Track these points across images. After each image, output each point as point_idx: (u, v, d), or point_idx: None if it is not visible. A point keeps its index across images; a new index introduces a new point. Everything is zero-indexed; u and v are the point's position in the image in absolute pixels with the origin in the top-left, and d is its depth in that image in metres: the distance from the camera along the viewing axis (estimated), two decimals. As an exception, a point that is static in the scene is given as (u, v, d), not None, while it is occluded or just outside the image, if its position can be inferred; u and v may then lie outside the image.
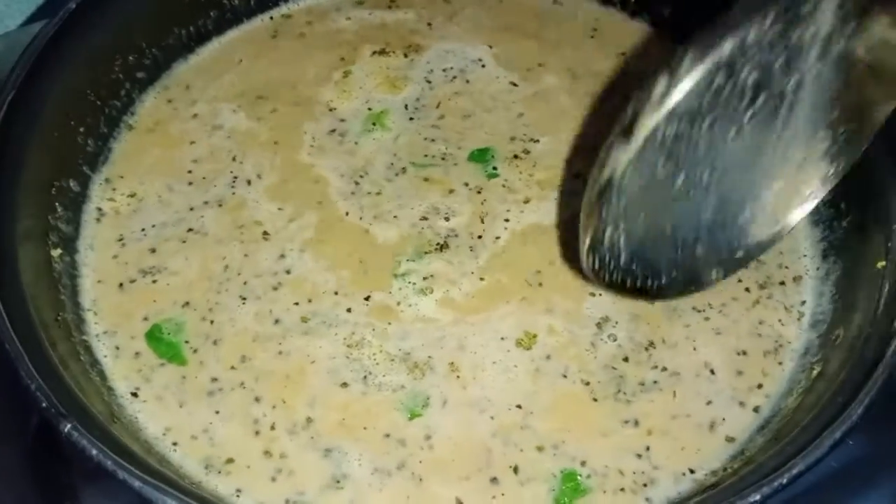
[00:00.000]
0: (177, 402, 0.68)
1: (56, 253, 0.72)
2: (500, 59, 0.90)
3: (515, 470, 0.65)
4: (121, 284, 0.74)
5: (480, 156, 0.81)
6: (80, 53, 0.77)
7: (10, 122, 0.69)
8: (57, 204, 0.74)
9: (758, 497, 0.50)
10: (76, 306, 0.72)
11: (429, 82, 0.87)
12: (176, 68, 0.89)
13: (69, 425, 0.53)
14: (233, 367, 0.69)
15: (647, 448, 0.66)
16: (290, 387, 0.68)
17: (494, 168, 0.81)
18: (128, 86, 0.84)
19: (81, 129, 0.79)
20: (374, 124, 0.84)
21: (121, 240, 0.76)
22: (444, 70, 0.88)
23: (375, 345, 0.70)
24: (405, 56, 0.89)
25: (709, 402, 0.68)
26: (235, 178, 0.80)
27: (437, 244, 0.76)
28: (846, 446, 0.74)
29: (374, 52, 0.89)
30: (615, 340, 0.71)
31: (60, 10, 0.75)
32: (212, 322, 0.72)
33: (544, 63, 0.90)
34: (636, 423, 0.67)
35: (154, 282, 0.74)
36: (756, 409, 0.68)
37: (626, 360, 0.70)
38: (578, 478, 0.65)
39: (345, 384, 0.68)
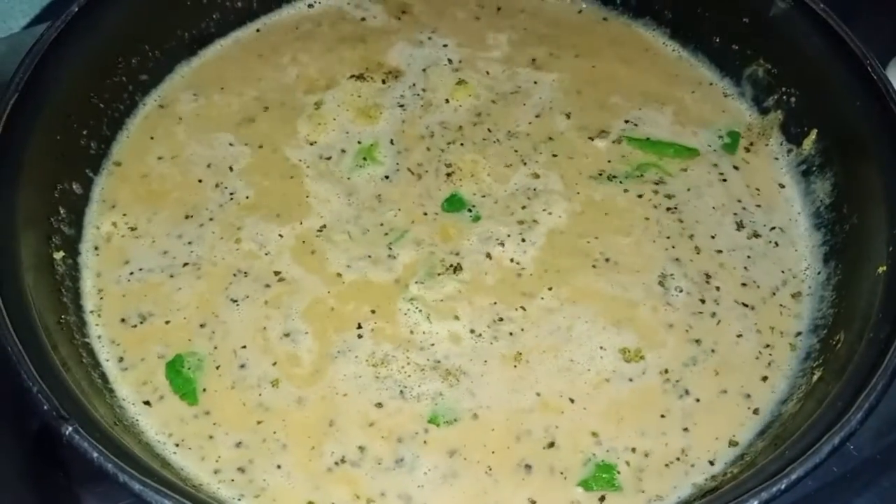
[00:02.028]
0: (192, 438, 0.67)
1: (59, 255, 0.73)
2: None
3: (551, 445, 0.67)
4: (123, 320, 0.73)
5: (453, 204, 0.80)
6: (82, 56, 0.77)
7: (13, 124, 0.69)
8: (60, 206, 0.75)
9: (756, 502, 0.50)
10: (79, 309, 0.72)
11: (401, 106, 0.87)
12: (179, 71, 0.89)
13: (70, 428, 0.53)
14: (258, 422, 0.67)
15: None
16: (327, 421, 0.68)
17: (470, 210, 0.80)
18: (130, 88, 0.84)
19: (84, 132, 0.79)
20: (364, 159, 0.83)
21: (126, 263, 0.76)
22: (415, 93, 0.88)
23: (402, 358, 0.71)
24: (383, 82, 0.88)
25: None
26: (232, 195, 0.80)
27: (451, 265, 0.75)
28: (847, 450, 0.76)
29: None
30: (682, 291, 0.74)
31: (64, 12, 0.76)
32: (215, 349, 0.71)
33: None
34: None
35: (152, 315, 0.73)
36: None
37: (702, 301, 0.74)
38: (617, 474, 0.65)
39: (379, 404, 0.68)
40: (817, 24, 0.79)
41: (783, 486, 0.51)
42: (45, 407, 0.54)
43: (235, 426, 0.67)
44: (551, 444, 0.66)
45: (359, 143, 0.83)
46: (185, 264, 0.75)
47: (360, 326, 0.72)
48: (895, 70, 0.98)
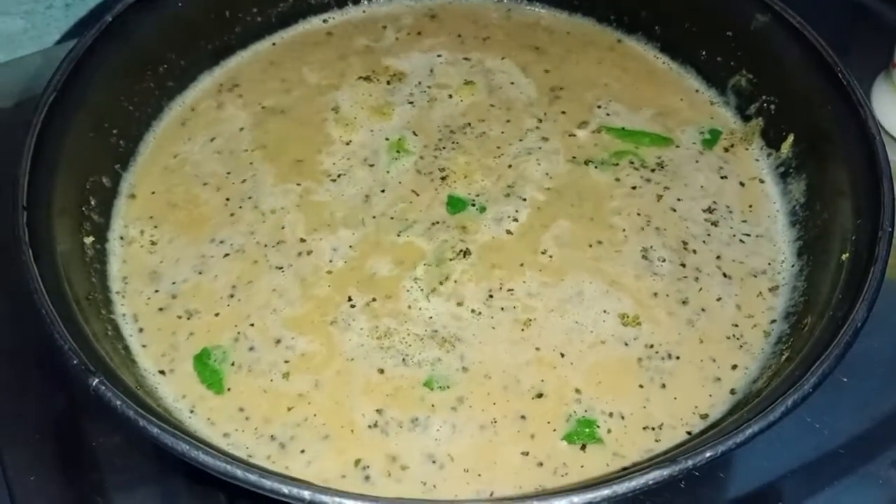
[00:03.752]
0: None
1: (89, 240, 0.79)
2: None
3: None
4: (161, 308, 0.78)
5: (458, 204, 0.85)
6: (114, 62, 0.84)
7: (50, 121, 0.76)
8: (91, 197, 0.81)
9: (710, 453, 0.55)
10: (105, 289, 0.78)
11: (411, 104, 0.94)
12: (202, 79, 0.96)
13: (96, 380, 0.59)
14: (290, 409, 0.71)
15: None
16: (344, 393, 0.73)
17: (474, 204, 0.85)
18: (157, 93, 0.91)
19: (114, 131, 0.86)
20: (398, 151, 0.89)
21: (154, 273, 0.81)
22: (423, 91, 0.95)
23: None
24: (388, 83, 0.96)
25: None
26: (250, 198, 0.86)
27: (461, 250, 0.81)
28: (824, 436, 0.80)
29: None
30: (664, 261, 0.80)
31: (94, 26, 0.83)
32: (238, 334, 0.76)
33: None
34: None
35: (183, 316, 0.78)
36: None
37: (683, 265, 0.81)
38: (597, 428, 0.70)
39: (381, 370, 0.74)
40: (794, 36, 0.84)
41: (739, 440, 0.56)
42: (74, 361, 0.60)
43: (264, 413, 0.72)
44: (539, 395, 0.72)
45: (386, 139, 0.90)
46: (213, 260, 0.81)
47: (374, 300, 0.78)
48: (881, 84, 1.03)
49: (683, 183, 0.87)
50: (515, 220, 0.84)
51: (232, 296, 0.79)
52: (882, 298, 0.67)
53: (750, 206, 0.86)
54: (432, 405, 0.72)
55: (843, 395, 0.81)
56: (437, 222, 0.84)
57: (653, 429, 0.71)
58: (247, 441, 0.70)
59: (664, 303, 0.78)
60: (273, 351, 0.75)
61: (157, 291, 0.79)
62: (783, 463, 0.78)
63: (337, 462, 0.69)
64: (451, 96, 0.94)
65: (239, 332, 0.76)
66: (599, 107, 0.94)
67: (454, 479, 0.68)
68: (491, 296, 0.78)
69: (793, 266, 0.81)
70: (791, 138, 0.87)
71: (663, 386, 0.73)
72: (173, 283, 0.80)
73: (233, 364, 0.74)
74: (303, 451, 0.69)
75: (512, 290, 0.79)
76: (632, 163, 0.89)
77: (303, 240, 0.82)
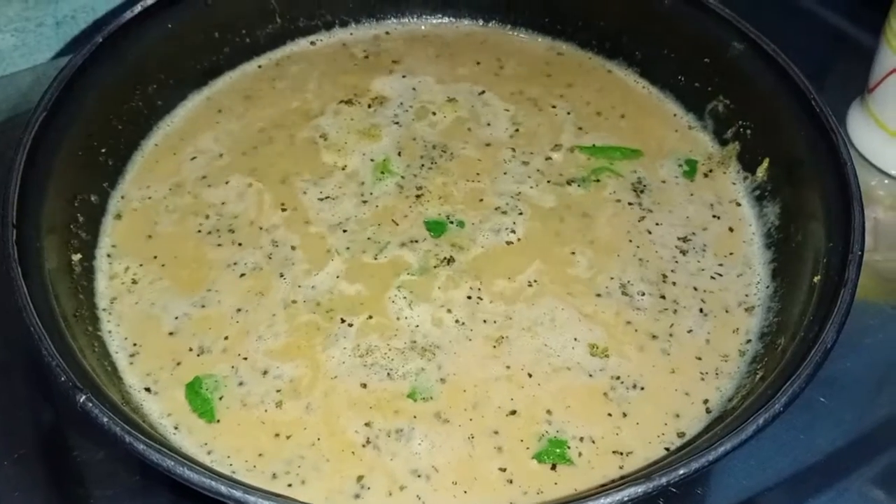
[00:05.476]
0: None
1: (76, 258, 0.80)
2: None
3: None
4: (147, 325, 0.79)
5: (437, 226, 0.87)
6: (104, 81, 0.86)
7: (41, 139, 0.77)
8: (78, 214, 0.82)
9: (683, 470, 0.57)
10: (92, 306, 0.79)
11: (397, 123, 0.96)
12: (191, 98, 0.98)
13: (84, 397, 0.60)
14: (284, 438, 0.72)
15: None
16: (334, 411, 0.73)
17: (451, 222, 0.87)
18: (146, 112, 0.93)
19: (103, 150, 0.87)
20: (382, 172, 0.91)
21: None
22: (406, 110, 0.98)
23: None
24: (369, 107, 0.98)
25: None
26: (236, 217, 0.87)
27: (445, 258, 0.83)
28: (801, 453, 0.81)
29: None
30: (644, 295, 0.81)
31: (86, 47, 0.84)
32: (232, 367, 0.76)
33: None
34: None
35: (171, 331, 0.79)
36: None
37: (663, 297, 0.82)
38: (567, 448, 0.71)
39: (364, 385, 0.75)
40: (769, 64, 0.87)
41: (712, 457, 0.58)
42: (62, 378, 0.61)
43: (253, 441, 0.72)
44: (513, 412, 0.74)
45: (371, 160, 0.92)
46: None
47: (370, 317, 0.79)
48: (857, 109, 1.06)
49: (668, 209, 0.90)
50: (500, 237, 0.86)
51: (234, 315, 0.80)
52: (855, 321, 0.70)
53: (727, 229, 0.88)
54: (414, 416, 0.73)
55: (820, 414, 0.83)
56: (421, 239, 0.85)
57: (622, 454, 0.72)
58: (237, 464, 0.71)
59: (635, 336, 0.79)
60: (262, 381, 0.75)
61: (142, 308, 0.80)
62: (761, 480, 0.79)
63: (330, 482, 0.70)
64: (434, 113, 0.97)
65: (232, 366, 0.77)
66: (579, 129, 0.96)
67: (443, 492, 0.69)
68: (469, 297, 0.80)
69: (767, 287, 0.83)
70: (766, 162, 0.89)
71: (624, 415, 0.74)
72: (159, 302, 0.81)
73: (221, 398, 0.74)
74: (298, 472, 0.70)
75: (482, 300, 0.80)
76: (614, 192, 0.91)
77: (290, 263, 0.83)
